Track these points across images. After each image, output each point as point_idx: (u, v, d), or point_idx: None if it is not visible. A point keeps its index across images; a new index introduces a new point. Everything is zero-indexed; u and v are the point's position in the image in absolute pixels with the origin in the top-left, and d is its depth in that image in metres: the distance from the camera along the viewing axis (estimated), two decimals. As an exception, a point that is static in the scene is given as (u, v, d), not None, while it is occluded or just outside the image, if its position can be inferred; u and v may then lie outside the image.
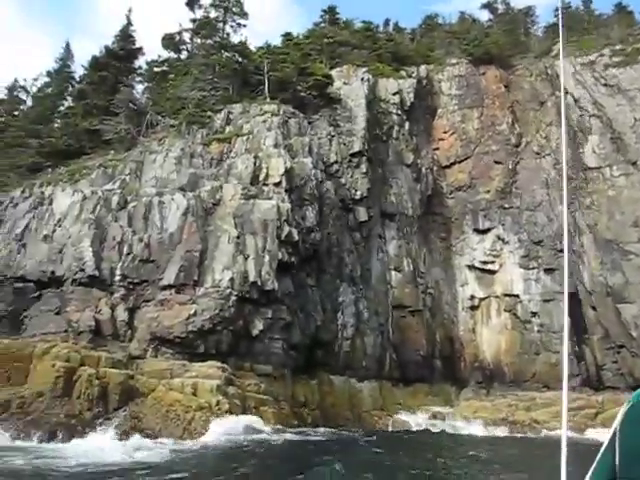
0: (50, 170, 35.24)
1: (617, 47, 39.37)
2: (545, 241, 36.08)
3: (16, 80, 52.37)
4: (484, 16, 59.19)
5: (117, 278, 24.62)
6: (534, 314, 34.89)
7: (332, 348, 28.22)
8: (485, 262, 36.77)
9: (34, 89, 52.45)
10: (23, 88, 52.68)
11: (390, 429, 26.57)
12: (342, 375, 28.15)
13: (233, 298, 23.15)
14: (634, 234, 33.42)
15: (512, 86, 42.39)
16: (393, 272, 33.60)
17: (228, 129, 31.76)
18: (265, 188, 27.03)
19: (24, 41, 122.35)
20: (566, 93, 38.51)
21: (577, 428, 25.30)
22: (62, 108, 45.89)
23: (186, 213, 25.81)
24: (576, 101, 37.93)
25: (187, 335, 22.13)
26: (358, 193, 32.87)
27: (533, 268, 35.80)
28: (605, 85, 37.50)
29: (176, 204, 26.35)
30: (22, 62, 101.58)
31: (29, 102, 51.26)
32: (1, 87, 52.52)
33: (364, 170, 33.61)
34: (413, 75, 41.75)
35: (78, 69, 48.95)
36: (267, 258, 24.51)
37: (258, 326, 23.57)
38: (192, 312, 22.56)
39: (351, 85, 37.88)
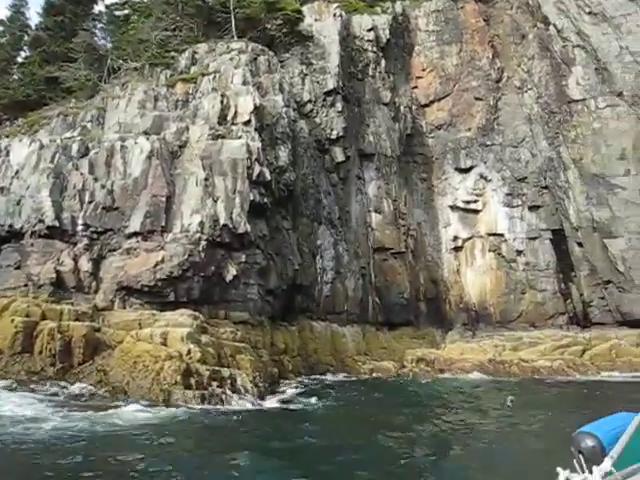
0: (8, 123, 33.52)
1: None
2: (529, 178, 35.02)
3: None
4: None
5: (79, 228, 23.05)
6: (519, 253, 34.07)
7: (312, 293, 27.14)
8: (468, 202, 35.61)
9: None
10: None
11: (373, 375, 25.79)
12: (323, 320, 27.12)
13: (203, 243, 21.76)
14: (620, 167, 32.26)
15: (492, 20, 40.51)
16: (373, 214, 32.36)
17: (193, 69, 29.83)
18: (234, 127, 25.34)
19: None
20: (548, 24, 36.86)
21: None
22: (19, 59, 43.44)
23: (150, 157, 24.11)
24: (559, 31, 36.19)
25: (155, 283, 20.81)
26: (334, 133, 31.33)
27: (517, 206, 34.78)
28: (589, 13, 35.59)
29: (139, 148, 24.63)
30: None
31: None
32: None
33: (339, 109, 31.97)
34: (388, 11, 39.68)
35: (33, 16, 46.22)
36: (238, 200, 23.04)
37: (231, 271, 22.25)
38: (160, 259, 21.19)
39: (323, 22, 35.85)
